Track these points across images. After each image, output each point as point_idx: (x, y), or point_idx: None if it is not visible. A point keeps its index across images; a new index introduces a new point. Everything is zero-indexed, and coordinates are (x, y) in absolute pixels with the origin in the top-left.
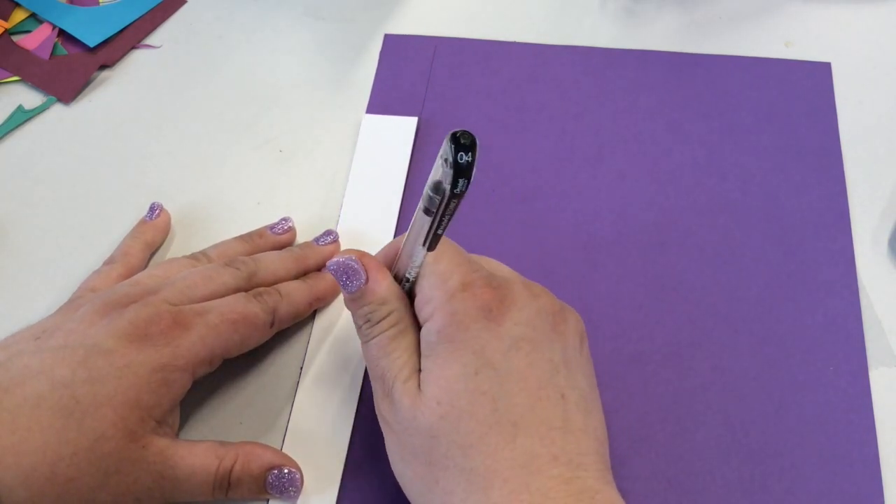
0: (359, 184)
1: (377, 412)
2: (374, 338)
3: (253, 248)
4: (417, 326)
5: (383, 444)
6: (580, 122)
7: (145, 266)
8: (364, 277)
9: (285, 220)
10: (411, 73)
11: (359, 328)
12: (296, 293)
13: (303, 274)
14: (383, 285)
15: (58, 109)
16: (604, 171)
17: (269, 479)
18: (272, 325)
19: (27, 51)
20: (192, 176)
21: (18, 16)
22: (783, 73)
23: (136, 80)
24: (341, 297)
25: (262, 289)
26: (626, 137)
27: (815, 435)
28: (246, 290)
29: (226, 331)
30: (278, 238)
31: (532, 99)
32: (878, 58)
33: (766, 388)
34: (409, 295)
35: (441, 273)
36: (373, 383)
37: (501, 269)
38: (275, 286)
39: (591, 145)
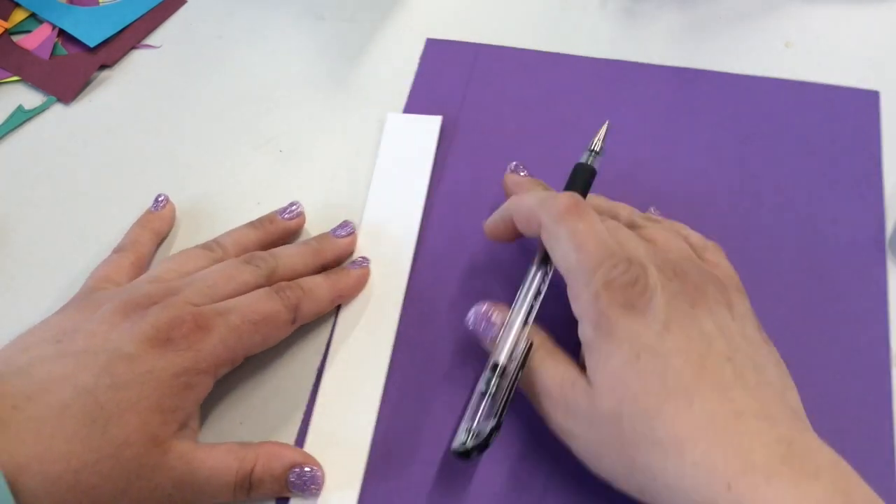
0: (382, 181)
1: (554, 430)
2: (534, 366)
3: (265, 235)
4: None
5: (404, 446)
6: (615, 139)
7: (154, 255)
8: (498, 323)
9: (294, 204)
10: (448, 79)
11: (509, 363)
12: (318, 289)
13: (322, 268)
14: (516, 322)
15: (58, 109)
16: (637, 190)
17: (291, 477)
18: (294, 321)
19: (27, 51)
20: (193, 176)
21: (18, 16)
22: (828, 98)
23: (136, 80)
24: (362, 293)
25: (284, 283)
26: (662, 157)
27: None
28: (265, 287)
29: (247, 332)
30: (288, 223)
31: (565, 110)
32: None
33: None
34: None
35: (586, 270)
36: (538, 405)
37: (635, 247)
38: (297, 281)
39: (625, 161)
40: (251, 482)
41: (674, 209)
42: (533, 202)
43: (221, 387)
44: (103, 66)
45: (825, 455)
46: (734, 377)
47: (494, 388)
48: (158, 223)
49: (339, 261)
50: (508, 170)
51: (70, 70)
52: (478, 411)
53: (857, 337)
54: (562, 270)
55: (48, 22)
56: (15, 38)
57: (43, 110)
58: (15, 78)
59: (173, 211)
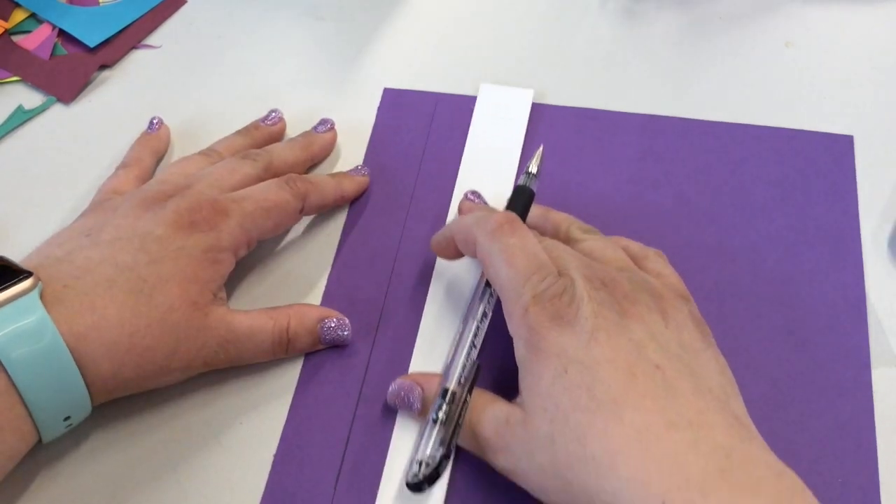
0: (474, 153)
1: (504, 474)
2: (458, 422)
3: (252, 140)
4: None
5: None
6: (582, 191)
7: (154, 171)
8: (419, 390)
9: (274, 111)
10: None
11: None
12: (324, 184)
13: (311, 160)
14: (433, 384)
15: (58, 109)
16: None
17: (322, 329)
18: (302, 210)
19: (27, 51)
20: None
21: (18, 16)
22: (801, 145)
23: (136, 80)
24: None
25: (294, 175)
26: (630, 211)
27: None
28: (264, 179)
29: (260, 217)
30: (272, 128)
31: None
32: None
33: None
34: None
35: (515, 286)
36: (484, 456)
37: (567, 260)
38: (305, 175)
39: (593, 218)
40: (289, 337)
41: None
42: (470, 221)
43: (209, 389)
44: (103, 66)
45: (768, 465)
46: (666, 386)
47: (444, 415)
48: (156, 142)
49: (326, 153)
50: (464, 197)
51: (70, 70)
52: (430, 440)
53: (839, 401)
54: (496, 288)
55: (48, 22)
56: (15, 38)
57: (43, 110)
58: (15, 78)
59: (168, 132)
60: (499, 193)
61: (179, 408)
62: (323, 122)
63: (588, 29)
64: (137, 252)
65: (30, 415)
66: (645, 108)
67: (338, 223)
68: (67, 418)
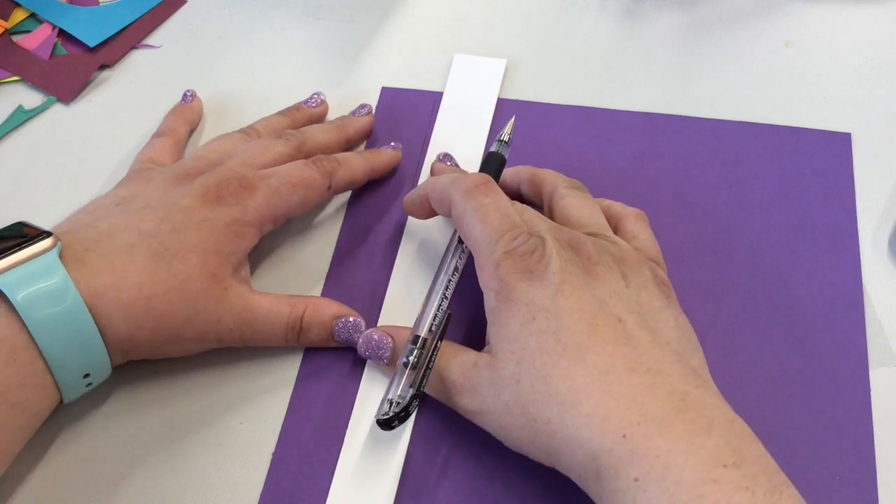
0: (447, 120)
1: (467, 416)
2: (426, 373)
3: (293, 121)
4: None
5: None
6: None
7: (188, 141)
8: (389, 340)
9: (317, 94)
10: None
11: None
12: (353, 161)
13: (346, 143)
14: (403, 335)
15: (58, 109)
16: None
17: (336, 326)
18: (329, 188)
19: (27, 51)
20: None
21: (18, 16)
22: (798, 142)
23: (136, 80)
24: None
25: (321, 155)
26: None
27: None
28: (297, 158)
29: (286, 192)
30: (313, 111)
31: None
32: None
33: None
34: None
35: (489, 242)
36: (449, 401)
37: (537, 223)
38: (333, 154)
39: None
40: (301, 325)
41: None
42: (446, 181)
43: (208, 389)
44: (103, 66)
45: (720, 411)
46: (627, 336)
47: (416, 359)
48: (190, 113)
49: (362, 136)
50: (437, 159)
51: (70, 70)
52: (400, 382)
53: (837, 400)
54: (469, 245)
55: (48, 22)
56: (15, 38)
57: (43, 110)
58: (15, 78)
59: (201, 104)
60: (468, 159)
61: (179, 407)
62: (362, 106)
63: (588, 29)
64: (161, 221)
65: (50, 372)
66: (644, 106)
67: (337, 220)
68: (87, 376)
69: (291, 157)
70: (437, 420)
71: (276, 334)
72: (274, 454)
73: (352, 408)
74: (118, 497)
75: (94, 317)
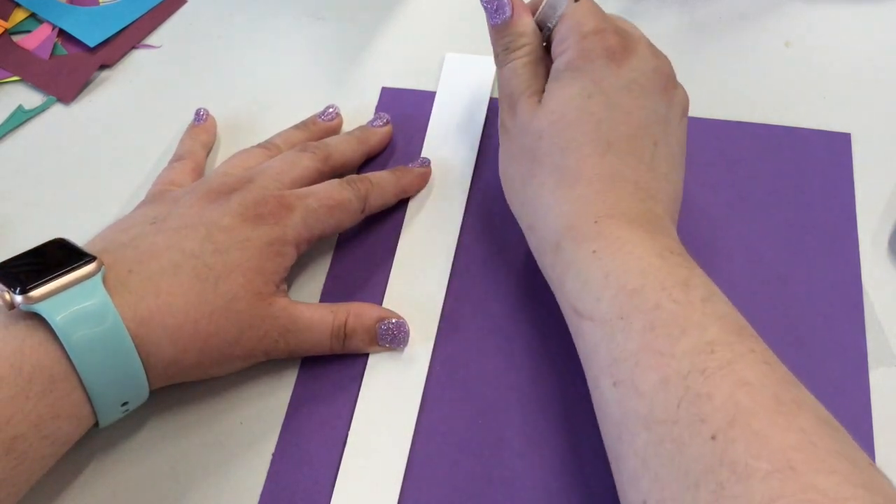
0: (440, 119)
1: (500, 126)
2: (508, 63)
3: (310, 134)
4: (549, 64)
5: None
6: None
7: (205, 163)
8: (509, 12)
9: (331, 107)
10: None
11: (497, 56)
12: (385, 183)
13: (367, 154)
14: (524, 20)
15: (58, 109)
16: None
17: (380, 329)
18: (363, 211)
19: (27, 51)
20: None
21: (18, 16)
22: (798, 142)
23: (136, 80)
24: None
25: (354, 176)
26: None
27: None
28: (324, 171)
29: (323, 214)
30: (329, 124)
31: None
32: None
33: None
34: (547, 42)
35: (578, 18)
36: (501, 103)
37: (634, 29)
38: (366, 175)
39: None
40: (346, 332)
41: None
42: None
43: (208, 390)
44: (103, 66)
45: (678, 243)
46: (650, 157)
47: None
48: (205, 135)
49: (382, 147)
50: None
51: (70, 70)
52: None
53: (837, 400)
54: (561, 20)
55: (48, 22)
56: (15, 38)
57: (43, 110)
58: (15, 78)
59: (215, 122)
60: (461, 158)
61: (179, 408)
62: (378, 116)
63: None
64: (203, 241)
65: (89, 400)
66: None
67: None
68: (125, 403)
69: (318, 171)
70: (439, 419)
71: (322, 343)
72: (274, 454)
73: (353, 408)
74: (118, 497)
75: (139, 343)
